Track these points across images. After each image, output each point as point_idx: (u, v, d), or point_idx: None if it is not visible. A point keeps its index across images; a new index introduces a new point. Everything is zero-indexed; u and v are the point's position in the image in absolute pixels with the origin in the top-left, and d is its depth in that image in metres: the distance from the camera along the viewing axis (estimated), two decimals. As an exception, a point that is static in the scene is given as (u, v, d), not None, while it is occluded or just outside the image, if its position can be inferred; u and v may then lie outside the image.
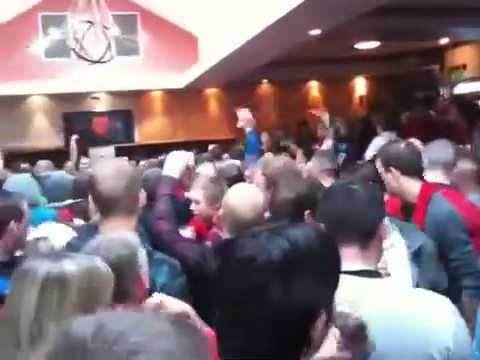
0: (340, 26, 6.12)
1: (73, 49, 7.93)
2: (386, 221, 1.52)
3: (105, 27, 7.49)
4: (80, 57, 8.00)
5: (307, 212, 2.08)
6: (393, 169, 2.45)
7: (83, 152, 9.54)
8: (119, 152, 10.98)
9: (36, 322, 1.03)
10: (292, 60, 9.16)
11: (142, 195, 1.91)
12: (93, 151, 11.52)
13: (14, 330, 1.04)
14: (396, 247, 1.86)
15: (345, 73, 12.38)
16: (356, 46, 9.18)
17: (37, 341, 1.02)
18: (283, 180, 2.33)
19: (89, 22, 7.41)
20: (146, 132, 12.52)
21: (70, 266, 1.08)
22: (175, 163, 2.31)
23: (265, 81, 12.99)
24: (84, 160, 8.86)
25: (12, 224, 2.18)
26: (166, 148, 8.34)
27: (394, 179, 2.44)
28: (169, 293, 1.78)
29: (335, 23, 6.00)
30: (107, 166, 1.90)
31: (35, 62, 10.91)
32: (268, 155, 4.85)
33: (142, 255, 1.55)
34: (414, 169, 2.47)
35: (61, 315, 1.03)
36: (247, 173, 3.68)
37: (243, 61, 8.53)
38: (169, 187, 2.26)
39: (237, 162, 4.96)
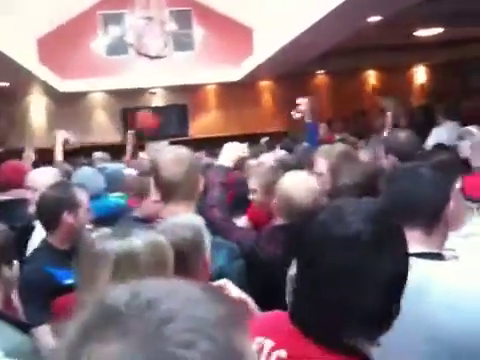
0: (401, 12, 5.93)
1: (132, 45, 8.13)
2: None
3: (163, 23, 7.63)
4: (139, 53, 8.19)
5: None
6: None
7: (140, 146, 9.81)
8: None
9: None
10: (349, 49, 8.98)
11: (201, 181, 1.94)
12: (149, 145, 11.84)
13: None
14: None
15: (404, 61, 12.00)
16: (416, 33, 8.88)
17: None
18: (344, 166, 2.31)
19: (147, 18, 7.57)
20: (200, 126, 12.67)
21: (137, 241, 1.11)
22: (229, 153, 2.35)
23: (320, 72, 12.82)
24: (141, 154, 9.13)
25: (65, 215, 2.24)
26: (219, 141, 8.41)
27: None
28: (227, 276, 1.81)
29: (396, 9, 5.82)
30: (168, 152, 1.94)
31: (96, 60, 11.27)
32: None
33: (207, 238, 1.58)
34: None
35: None
36: (307, 162, 3.64)
37: (299, 52, 8.45)
38: (222, 176, 2.30)
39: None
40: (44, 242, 2.40)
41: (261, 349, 1.02)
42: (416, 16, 7.13)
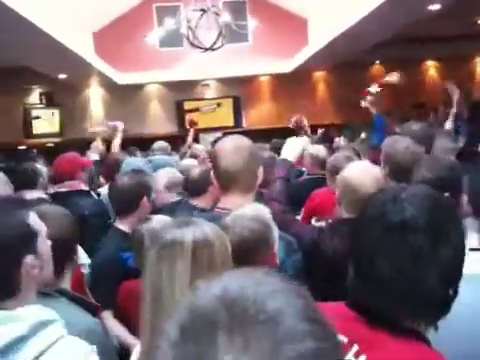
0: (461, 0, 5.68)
1: (187, 38, 8.18)
2: None
3: (217, 14, 7.63)
4: (193, 45, 8.24)
5: (446, 195, 1.95)
6: None
7: (194, 138, 9.92)
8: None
9: (191, 284, 1.03)
10: (407, 38, 8.70)
11: (261, 172, 1.91)
12: (203, 137, 11.96)
13: (169, 300, 1.06)
14: None
15: (466, 51, 11.50)
16: (480, 21, 8.49)
17: None
18: (424, 161, 2.21)
19: (202, 10, 7.59)
20: (254, 117, 12.65)
21: (210, 229, 1.11)
22: (292, 147, 2.30)
23: (377, 62, 12.49)
24: (196, 146, 9.24)
25: (145, 199, 2.34)
26: (273, 133, 8.38)
27: None
28: (286, 269, 1.78)
29: (456, -4, 5.59)
30: (228, 142, 1.90)
31: (151, 52, 11.45)
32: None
33: (275, 231, 1.55)
34: None
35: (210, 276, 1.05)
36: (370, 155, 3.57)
37: (354, 41, 8.26)
38: (284, 170, 2.26)
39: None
40: (114, 227, 2.50)
41: None
42: (478, 4, 6.81)
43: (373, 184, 2.04)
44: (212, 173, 1.91)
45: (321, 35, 9.17)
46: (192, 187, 3.00)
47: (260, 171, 1.90)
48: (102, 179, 5.23)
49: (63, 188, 3.41)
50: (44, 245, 1.23)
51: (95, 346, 1.19)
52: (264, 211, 1.62)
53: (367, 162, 2.48)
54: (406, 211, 1.01)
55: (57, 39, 6.80)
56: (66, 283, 1.60)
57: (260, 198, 2.20)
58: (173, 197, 3.17)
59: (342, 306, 1.11)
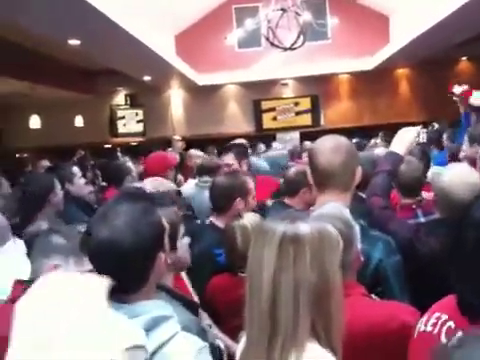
0: None
1: (267, 38, 8.23)
2: None
3: (297, 13, 7.62)
4: (273, 45, 8.27)
5: None
6: None
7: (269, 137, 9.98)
8: (304, 137, 11.17)
9: (275, 276, 1.10)
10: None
11: (359, 171, 1.89)
12: (280, 136, 11.97)
13: (258, 287, 1.12)
14: None
15: None
16: None
17: (276, 296, 1.09)
18: None
19: (282, 10, 7.61)
20: (332, 116, 12.49)
21: (304, 227, 1.13)
22: (403, 139, 2.20)
23: (464, 58, 11.92)
24: (274, 144, 9.28)
25: (238, 201, 2.41)
26: (352, 132, 8.23)
27: None
28: (384, 270, 1.76)
29: None
30: (326, 140, 1.88)
31: (230, 53, 11.62)
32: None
33: (356, 229, 1.55)
34: None
35: (296, 273, 1.09)
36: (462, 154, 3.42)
37: (439, 39, 7.95)
38: (391, 163, 2.18)
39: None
40: (210, 224, 2.60)
41: (437, 321, 1.27)
42: None
43: (468, 188, 1.98)
44: (309, 172, 1.92)
45: (404, 32, 8.90)
46: (287, 187, 3.06)
47: (358, 171, 1.88)
48: (181, 177, 5.42)
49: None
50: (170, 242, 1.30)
51: (207, 343, 1.24)
52: (343, 209, 1.62)
53: (465, 165, 2.38)
54: None
55: (143, 42, 7.08)
56: (167, 280, 1.62)
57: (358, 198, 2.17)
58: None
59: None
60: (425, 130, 4.60)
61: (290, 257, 1.11)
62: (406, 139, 2.19)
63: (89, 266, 1.23)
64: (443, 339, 1.23)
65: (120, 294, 1.15)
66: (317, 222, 1.21)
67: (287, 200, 2.99)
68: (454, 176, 2.07)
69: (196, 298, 1.99)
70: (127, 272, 1.17)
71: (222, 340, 1.85)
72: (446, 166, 2.36)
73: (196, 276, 2.11)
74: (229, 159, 3.61)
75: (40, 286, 0.98)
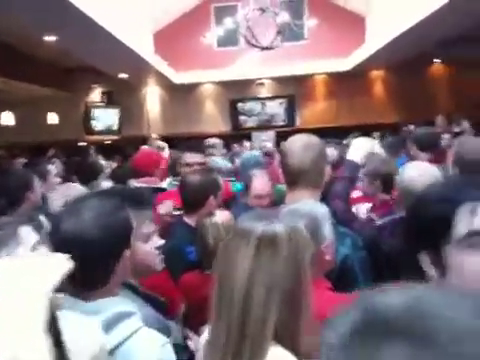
0: None
1: (245, 37, 8.25)
2: None
3: (275, 13, 7.65)
4: (250, 44, 8.29)
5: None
6: None
7: (246, 137, 9.97)
8: (280, 136, 11.22)
9: (250, 279, 1.09)
10: (470, 37, 8.40)
11: (328, 169, 1.93)
12: (254, 135, 11.99)
13: (229, 286, 1.11)
14: None
15: None
16: None
17: (248, 297, 1.09)
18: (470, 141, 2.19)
19: (260, 9, 7.63)
20: (308, 116, 12.58)
21: (280, 228, 1.13)
22: (359, 149, 2.30)
23: (438, 61, 12.13)
24: (246, 143, 9.26)
25: (211, 199, 2.41)
26: (328, 132, 8.30)
27: None
28: (352, 264, 1.79)
29: None
30: (298, 139, 1.95)
31: (208, 52, 11.60)
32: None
33: (326, 227, 1.56)
34: None
35: (272, 274, 1.09)
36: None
37: (415, 40, 8.05)
38: (349, 171, 2.27)
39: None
40: (182, 221, 2.58)
41: None
42: None
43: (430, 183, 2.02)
44: (281, 169, 1.95)
45: (380, 34, 9.00)
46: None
47: (327, 169, 1.93)
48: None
49: (142, 183, 3.50)
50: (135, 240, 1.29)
51: (169, 338, 1.24)
52: (316, 206, 1.63)
53: (426, 163, 2.45)
54: None
55: (120, 39, 7.01)
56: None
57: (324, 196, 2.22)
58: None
59: None
60: (378, 140, 4.65)
61: (267, 258, 1.11)
62: (362, 147, 2.28)
63: None
64: None
65: (83, 290, 1.14)
66: (290, 222, 1.21)
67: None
68: (414, 171, 2.13)
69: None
70: (91, 267, 1.17)
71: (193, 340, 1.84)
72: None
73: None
74: (198, 158, 3.55)
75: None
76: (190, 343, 1.78)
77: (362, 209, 2.96)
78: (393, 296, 0.48)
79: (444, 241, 0.99)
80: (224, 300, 1.12)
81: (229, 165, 4.47)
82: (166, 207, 2.78)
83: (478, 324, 0.43)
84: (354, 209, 2.98)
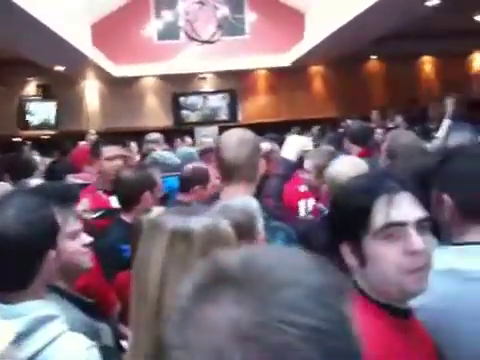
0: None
1: (184, 30, 8.17)
2: None
3: (215, 7, 7.63)
4: (190, 38, 8.23)
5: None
6: None
7: (188, 132, 9.91)
8: (222, 131, 11.20)
9: (163, 271, 1.06)
10: (404, 34, 8.72)
11: (262, 164, 1.95)
12: (197, 130, 11.93)
13: (144, 280, 1.07)
14: None
15: (463, 47, 11.52)
16: (477, 18, 8.51)
17: (163, 291, 1.06)
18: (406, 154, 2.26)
19: (200, 3, 7.58)
20: (250, 111, 12.65)
21: (195, 222, 1.11)
22: (293, 147, 2.33)
23: (374, 57, 12.51)
24: (187, 139, 9.19)
25: (146, 194, 2.37)
26: (269, 127, 8.41)
27: None
28: None
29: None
30: (231, 135, 1.96)
31: (148, 45, 11.41)
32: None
33: (260, 223, 1.58)
34: None
35: (185, 267, 1.07)
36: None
37: (351, 37, 8.27)
38: (283, 168, 2.30)
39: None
40: (118, 219, 2.52)
41: None
42: (475, 0, 6.83)
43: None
44: (216, 164, 1.95)
45: (318, 30, 9.18)
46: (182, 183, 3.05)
47: (261, 163, 1.95)
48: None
49: (79, 179, 3.40)
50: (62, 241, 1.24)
51: (96, 342, 1.20)
52: (250, 202, 1.65)
53: (354, 157, 2.53)
54: None
55: (54, 30, 6.77)
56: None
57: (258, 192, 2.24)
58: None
59: None
60: (311, 137, 4.77)
61: (179, 253, 1.08)
62: (296, 145, 2.32)
63: None
64: None
65: (4, 291, 1.09)
66: (209, 217, 1.20)
67: (180, 197, 3.01)
68: (341, 165, 2.20)
69: None
70: (12, 267, 1.12)
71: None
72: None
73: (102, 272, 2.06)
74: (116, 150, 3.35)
75: None
76: (125, 343, 1.75)
77: (309, 203, 3.03)
78: (236, 253, 0.54)
79: (363, 232, 1.01)
80: (141, 300, 1.07)
81: (178, 161, 4.43)
82: (83, 205, 2.68)
83: (294, 275, 0.50)
84: (302, 203, 3.06)
